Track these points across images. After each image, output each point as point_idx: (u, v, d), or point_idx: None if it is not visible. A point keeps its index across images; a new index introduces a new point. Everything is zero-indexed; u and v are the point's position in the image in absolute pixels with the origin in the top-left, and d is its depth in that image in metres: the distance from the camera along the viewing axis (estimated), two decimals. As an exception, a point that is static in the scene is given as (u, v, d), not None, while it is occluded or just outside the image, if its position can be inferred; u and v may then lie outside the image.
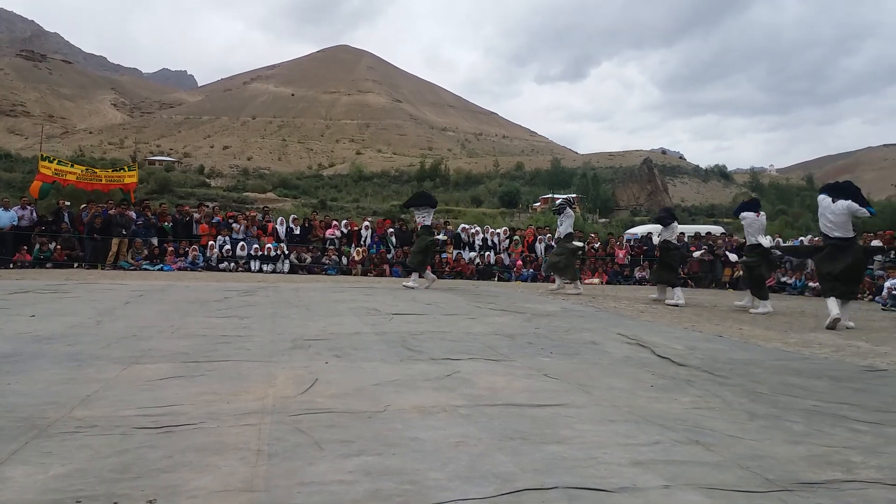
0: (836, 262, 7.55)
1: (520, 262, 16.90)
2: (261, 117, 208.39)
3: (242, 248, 15.09)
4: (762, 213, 9.80)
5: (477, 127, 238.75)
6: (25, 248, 13.26)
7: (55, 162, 15.78)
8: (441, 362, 4.21)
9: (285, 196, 71.45)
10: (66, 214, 14.48)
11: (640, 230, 25.91)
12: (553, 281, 12.28)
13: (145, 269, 13.49)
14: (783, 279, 15.69)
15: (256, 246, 15.20)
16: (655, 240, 16.08)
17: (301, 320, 6.04)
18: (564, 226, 11.34)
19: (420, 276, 10.69)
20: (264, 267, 14.92)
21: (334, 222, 17.00)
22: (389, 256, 16.32)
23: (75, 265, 13.46)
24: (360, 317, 6.48)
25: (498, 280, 15.83)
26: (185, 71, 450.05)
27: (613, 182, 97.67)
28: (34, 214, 13.91)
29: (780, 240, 16.64)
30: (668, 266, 10.64)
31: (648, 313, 8.36)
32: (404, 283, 10.74)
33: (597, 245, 18.04)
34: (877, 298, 12.68)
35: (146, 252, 14.18)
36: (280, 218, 16.92)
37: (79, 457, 2.22)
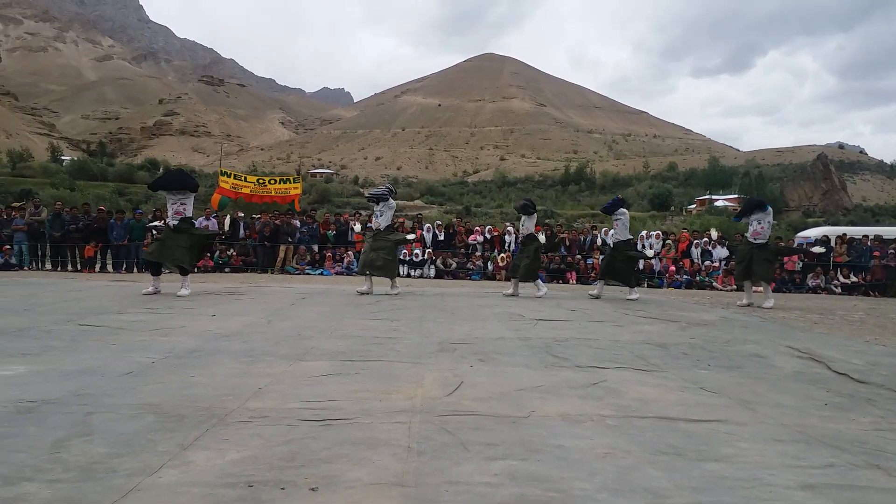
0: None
1: (672, 268, 16.03)
2: (409, 128, 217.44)
3: (392, 254, 15.80)
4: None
5: (625, 127, 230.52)
6: (208, 254, 14.93)
7: (232, 177, 17.59)
8: (587, 370, 4.11)
9: (431, 203, 73.57)
10: (242, 224, 16.09)
11: (812, 233, 23.42)
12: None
13: (308, 274, 14.62)
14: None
15: (405, 251, 15.83)
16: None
17: (447, 324, 6.19)
18: (384, 217, 9.49)
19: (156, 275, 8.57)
20: (411, 272, 15.49)
21: (477, 228, 17.26)
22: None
23: (249, 270, 14.93)
24: (503, 322, 6.51)
25: (648, 287, 15.12)
26: (343, 88, 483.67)
27: (782, 181, 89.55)
28: (216, 225, 15.60)
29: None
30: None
31: (823, 324, 7.55)
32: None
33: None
34: None
35: (308, 258, 15.37)
36: (427, 224, 17.48)
37: (252, 444, 2.45)
